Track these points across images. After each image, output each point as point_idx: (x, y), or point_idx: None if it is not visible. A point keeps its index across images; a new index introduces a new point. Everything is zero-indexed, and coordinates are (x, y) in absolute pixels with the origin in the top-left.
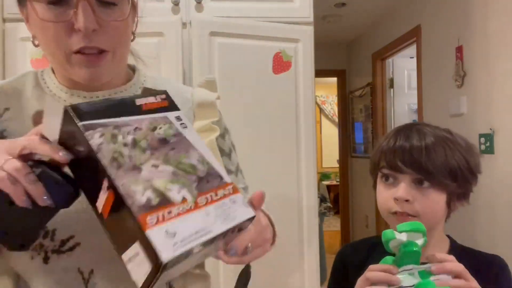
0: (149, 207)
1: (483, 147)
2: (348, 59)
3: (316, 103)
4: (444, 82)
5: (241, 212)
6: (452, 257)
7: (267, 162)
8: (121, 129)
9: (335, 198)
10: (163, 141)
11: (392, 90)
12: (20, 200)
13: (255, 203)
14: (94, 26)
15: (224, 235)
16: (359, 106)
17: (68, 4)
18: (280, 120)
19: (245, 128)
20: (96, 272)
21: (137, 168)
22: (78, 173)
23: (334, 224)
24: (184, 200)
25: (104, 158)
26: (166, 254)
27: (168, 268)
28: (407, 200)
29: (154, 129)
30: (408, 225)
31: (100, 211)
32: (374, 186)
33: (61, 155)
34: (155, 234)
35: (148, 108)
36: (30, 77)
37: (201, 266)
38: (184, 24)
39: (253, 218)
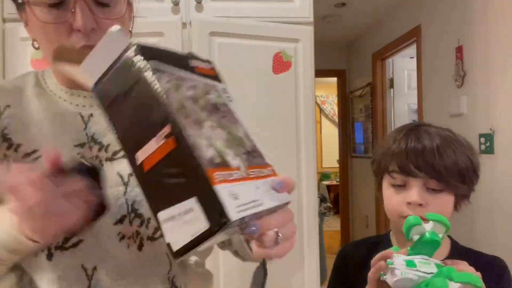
0: (213, 164)
1: (483, 147)
2: (348, 59)
3: (316, 103)
4: (444, 82)
5: (281, 195)
6: (464, 262)
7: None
8: (183, 82)
9: (335, 198)
10: (215, 107)
11: (392, 90)
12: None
13: (288, 189)
14: (93, 25)
15: (269, 211)
16: (359, 106)
17: (66, 5)
18: (280, 120)
19: None
20: (99, 268)
21: (199, 123)
22: (115, 118)
23: (334, 224)
24: (238, 167)
25: (172, 105)
26: (232, 213)
27: (223, 230)
28: (420, 204)
29: (207, 93)
30: (437, 216)
31: (140, 161)
32: (379, 189)
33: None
34: (222, 191)
35: (200, 71)
36: (30, 77)
37: (202, 264)
38: (184, 24)
39: (288, 203)
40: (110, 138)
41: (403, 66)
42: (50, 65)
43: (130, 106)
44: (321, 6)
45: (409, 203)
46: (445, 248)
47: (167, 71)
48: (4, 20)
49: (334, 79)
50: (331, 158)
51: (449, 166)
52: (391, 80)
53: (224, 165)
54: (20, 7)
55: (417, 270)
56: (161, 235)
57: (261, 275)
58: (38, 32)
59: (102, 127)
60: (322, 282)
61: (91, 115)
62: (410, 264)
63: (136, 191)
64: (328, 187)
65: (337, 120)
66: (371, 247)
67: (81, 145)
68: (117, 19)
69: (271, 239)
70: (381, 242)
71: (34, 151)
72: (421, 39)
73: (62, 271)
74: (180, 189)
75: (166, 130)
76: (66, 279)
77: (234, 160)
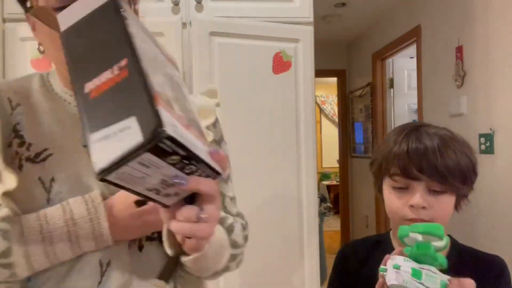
0: (161, 97)
1: (483, 147)
2: (348, 59)
3: (316, 103)
4: (444, 82)
5: (215, 163)
6: (471, 281)
7: (267, 162)
8: (148, 39)
9: (335, 198)
10: (171, 78)
11: (392, 90)
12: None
13: (222, 162)
14: None
15: (198, 168)
16: (359, 106)
17: None
18: (280, 120)
19: (245, 128)
20: (113, 263)
21: (154, 71)
22: (71, 46)
23: (334, 224)
24: (181, 116)
25: (136, 44)
26: (168, 128)
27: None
28: (423, 207)
29: (165, 66)
30: (422, 228)
31: (88, 90)
32: (379, 190)
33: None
34: (164, 113)
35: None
36: (36, 78)
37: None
38: (184, 24)
39: (219, 176)
40: None
41: (403, 66)
42: (56, 69)
43: (92, 38)
44: (321, 6)
45: (412, 206)
46: None
47: (136, 23)
48: (4, 20)
49: (334, 79)
50: (331, 158)
51: (451, 167)
52: (391, 80)
53: (170, 106)
54: (28, 11)
55: (420, 283)
56: (159, 236)
57: (171, 265)
58: (45, 37)
59: None
60: (322, 282)
61: None
62: (416, 274)
63: None
64: (328, 187)
65: (337, 120)
66: (371, 246)
67: None
68: None
69: (193, 213)
70: (381, 242)
71: (45, 150)
72: (421, 39)
73: (81, 265)
74: (122, 110)
75: (123, 62)
76: (82, 273)
77: (179, 112)
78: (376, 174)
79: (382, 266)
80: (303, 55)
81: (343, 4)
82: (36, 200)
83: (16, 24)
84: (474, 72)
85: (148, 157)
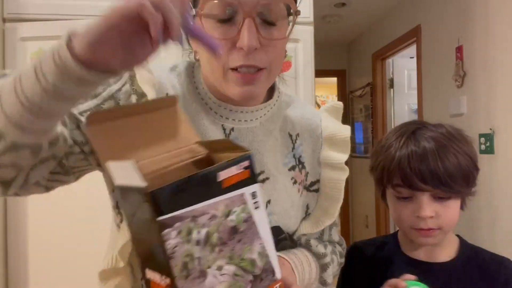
0: None
1: (483, 147)
2: (348, 59)
3: (316, 103)
4: (444, 82)
5: None
6: None
7: None
8: (198, 221)
9: None
10: (233, 230)
11: (392, 90)
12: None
13: None
14: (257, 45)
15: None
16: (359, 106)
17: (234, 22)
18: None
19: None
20: (273, 202)
21: (203, 275)
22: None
23: None
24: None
25: (176, 266)
26: None
27: None
28: (431, 217)
29: (228, 214)
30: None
31: (147, 278)
32: (383, 197)
33: None
34: None
35: (228, 184)
36: (183, 73)
37: None
38: None
39: None
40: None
41: (403, 66)
42: (212, 78)
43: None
44: (321, 6)
45: (418, 217)
46: (453, 247)
47: (179, 218)
48: (4, 20)
49: (334, 79)
50: None
51: (453, 172)
52: (391, 80)
53: None
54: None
55: None
56: None
57: None
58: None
59: (241, 143)
60: None
61: (232, 129)
62: None
63: (269, 220)
64: None
65: None
66: (378, 247)
67: None
68: (280, 40)
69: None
70: (388, 243)
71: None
72: (421, 39)
73: None
74: None
75: (168, 281)
76: None
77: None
78: (378, 182)
79: None
80: (303, 55)
81: (343, 4)
82: None
83: (16, 24)
84: (474, 72)
85: None
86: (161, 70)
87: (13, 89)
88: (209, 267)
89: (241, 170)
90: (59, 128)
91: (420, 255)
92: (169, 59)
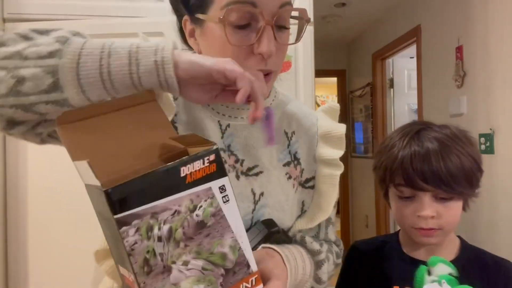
0: None
1: (483, 147)
2: (348, 59)
3: (316, 103)
4: (444, 82)
5: None
6: None
7: None
8: (159, 217)
9: None
10: (200, 225)
11: (392, 90)
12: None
13: None
14: (274, 51)
15: None
16: (359, 106)
17: (252, 28)
18: None
19: None
20: (266, 195)
21: (167, 270)
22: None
23: None
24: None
25: (136, 263)
26: None
27: None
28: (432, 217)
29: (194, 209)
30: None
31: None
32: (385, 196)
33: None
34: None
35: (193, 178)
36: None
37: None
38: None
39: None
40: (244, 153)
41: (403, 66)
42: None
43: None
44: (321, 6)
45: (419, 216)
46: (454, 248)
47: (138, 216)
48: (4, 20)
49: (334, 79)
50: None
51: (455, 173)
52: (391, 80)
53: None
54: (197, 21)
55: None
56: None
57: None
58: (216, 50)
59: (237, 141)
60: None
61: (228, 125)
62: None
63: (262, 212)
64: None
65: None
66: (378, 246)
67: (221, 150)
68: (289, 44)
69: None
70: (388, 242)
71: None
72: (421, 39)
73: (239, 190)
74: None
75: (133, 283)
76: (240, 197)
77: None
78: (380, 182)
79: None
80: (303, 55)
81: (343, 4)
82: None
83: (16, 24)
84: (474, 72)
85: None
86: None
87: (99, 66)
88: (173, 262)
89: (207, 164)
90: None
91: (421, 255)
92: None
